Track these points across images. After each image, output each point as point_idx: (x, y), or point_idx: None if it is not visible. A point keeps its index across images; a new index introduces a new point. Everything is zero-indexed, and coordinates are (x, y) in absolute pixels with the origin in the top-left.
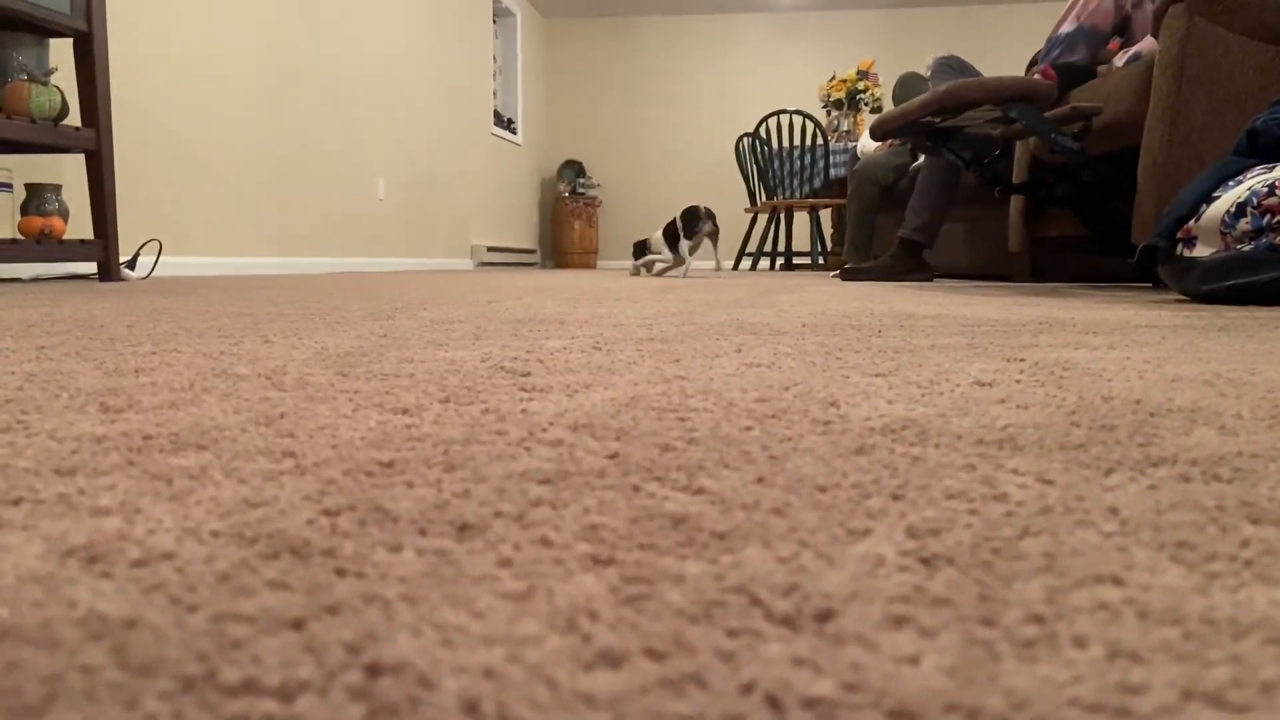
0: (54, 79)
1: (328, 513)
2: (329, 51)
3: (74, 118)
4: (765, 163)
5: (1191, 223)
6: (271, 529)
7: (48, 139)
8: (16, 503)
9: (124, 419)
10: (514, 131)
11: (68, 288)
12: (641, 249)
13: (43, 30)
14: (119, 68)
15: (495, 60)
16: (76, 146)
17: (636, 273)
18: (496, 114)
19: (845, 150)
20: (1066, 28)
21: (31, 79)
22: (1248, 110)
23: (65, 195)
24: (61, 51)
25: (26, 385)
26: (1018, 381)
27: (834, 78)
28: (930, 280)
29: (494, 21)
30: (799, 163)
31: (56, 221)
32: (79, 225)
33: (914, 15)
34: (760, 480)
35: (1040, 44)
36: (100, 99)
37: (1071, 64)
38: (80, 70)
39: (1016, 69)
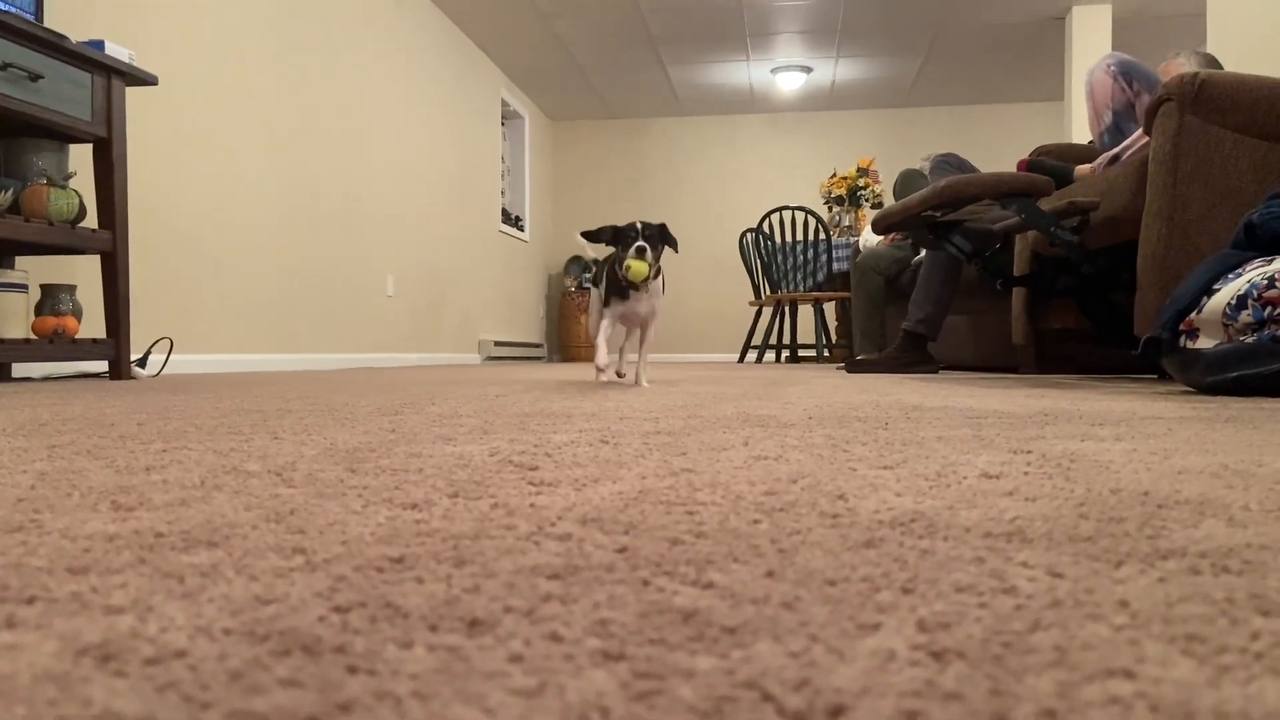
0: (72, 182)
1: (339, 609)
2: (340, 152)
3: (90, 219)
4: (769, 257)
5: (1193, 315)
6: (283, 626)
7: (64, 241)
8: (30, 601)
9: (135, 517)
10: (521, 229)
11: (79, 386)
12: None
13: (64, 136)
14: (134, 170)
15: (504, 161)
16: (93, 248)
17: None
18: (504, 212)
19: (847, 245)
20: (1107, 119)
21: (51, 182)
22: (1243, 204)
23: (79, 294)
24: (80, 155)
25: (39, 484)
26: (1025, 474)
27: (835, 175)
28: (935, 372)
29: (503, 124)
30: (802, 257)
31: (70, 321)
32: (91, 323)
33: (912, 114)
34: (770, 574)
35: (1034, 142)
36: (118, 202)
37: (1046, 164)
38: (99, 174)
39: (1012, 166)
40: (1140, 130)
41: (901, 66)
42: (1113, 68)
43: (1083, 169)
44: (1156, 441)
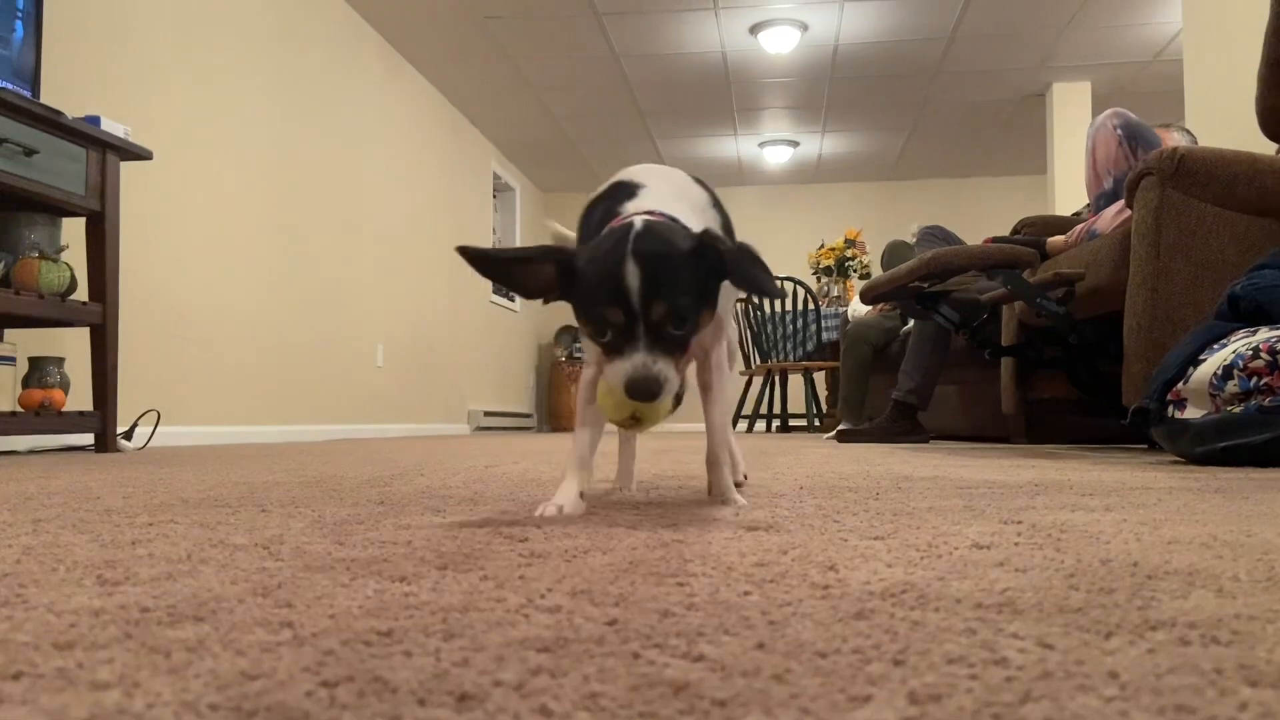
0: (64, 254)
1: (326, 684)
2: (331, 224)
3: (81, 291)
4: (759, 326)
5: (1180, 385)
6: (270, 701)
7: (54, 313)
8: (16, 677)
9: (121, 591)
10: (512, 299)
11: (64, 459)
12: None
13: (58, 210)
14: (125, 243)
15: (495, 231)
16: (82, 320)
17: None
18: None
19: (836, 314)
20: (1107, 184)
21: (43, 255)
22: (1225, 276)
23: (66, 366)
24: (73, 227)
25: (24, 558)
26: (1016, 544)
27: (823, 245)
28: (925, 442)
29: (494, 195)
30: (792, 327)
31: (57, 394)
32: (78, 395)
33: (898, 188)
34: (760, 646)
35: (1018, 214)
36: (109, 275)
37: (1013, 240)
38: (91, 247)
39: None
40: (1119, 204)
41: (887, 141)
42: (1119, 130)
43: (1055, 241)
44: (1146, 512)
